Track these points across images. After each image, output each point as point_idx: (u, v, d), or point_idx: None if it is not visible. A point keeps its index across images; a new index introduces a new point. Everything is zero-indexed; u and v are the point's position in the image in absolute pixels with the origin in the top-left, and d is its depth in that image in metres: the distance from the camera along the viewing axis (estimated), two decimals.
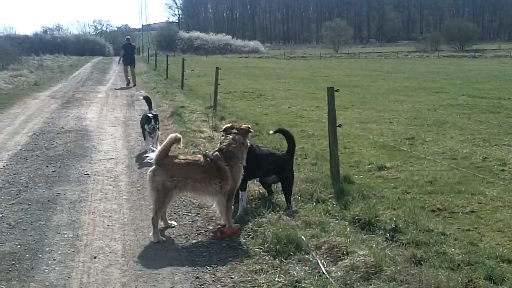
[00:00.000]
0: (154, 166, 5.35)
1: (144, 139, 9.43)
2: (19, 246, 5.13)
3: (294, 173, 6.60)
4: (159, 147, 5.43)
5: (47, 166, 8.16)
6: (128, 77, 23.15)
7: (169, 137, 5.37)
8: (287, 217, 5.45)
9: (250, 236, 5.22)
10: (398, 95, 20.54)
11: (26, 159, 8.64)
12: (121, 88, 21.73)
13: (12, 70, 27.47)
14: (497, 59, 56.53)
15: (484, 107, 16.09)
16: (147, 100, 10.17)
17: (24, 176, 7.60)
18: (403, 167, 8.89)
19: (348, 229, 5.40)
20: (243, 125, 5.80)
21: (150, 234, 5.31)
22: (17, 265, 4.69)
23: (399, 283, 4.04)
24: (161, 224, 5.52)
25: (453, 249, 5.00)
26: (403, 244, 5.11)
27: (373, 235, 5.34)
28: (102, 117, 13.35)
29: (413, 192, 7.45)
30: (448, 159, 9.39)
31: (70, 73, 30.56)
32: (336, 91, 7.42)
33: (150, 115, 9.18)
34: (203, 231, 5.55)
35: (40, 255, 4.91)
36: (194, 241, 5.29)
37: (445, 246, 5.07)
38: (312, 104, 17.80)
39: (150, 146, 8.23)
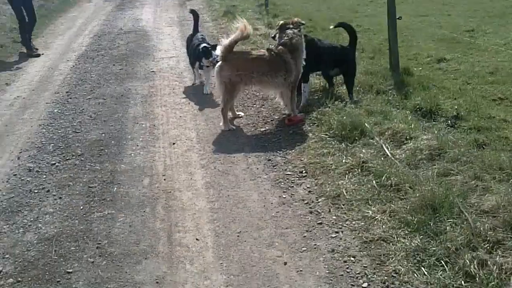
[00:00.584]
0: (220, 62, 5.56)
1: (194, 73, 7.45)
2: (103, 134, 5.60)
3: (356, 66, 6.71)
4: (225, 41, 5.58)
5: (113, 65, 8.52)
6: None
7: (238, 30, 5.48)
8: (351, 106, 5.63)
9: (315, 124, 5.47)
10: None
11: (93, 59, 9.02)
12: None
13: None
14: None
15: None
16: (195, 15, 8.16)
17: (94, 74, 8.01)
18: (463, 59, 8.76)
19: (410, 117, 5.54)
20: (295, 20, 5.89)
21: (221, 124, 5.64)
22: (106, 150, 5.18)
23: (462, 163, 4.23)
24: (229, 115, 5.81)
25: None
26: (464, 130, 5.23)
27: (435, 123, 5.47)
28: (157, 18, 13.46)
29: (474, 82, 7.40)
30: (510, 50, 9.15)
31: None
32: None
33: (207, 45, 7.09)
34: (269, 120, 5.84)
35: (124, 142, 5.37)
36: (262, 129, 5.61)
37: (507, 131, 5.17)
38: None
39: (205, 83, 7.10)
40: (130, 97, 6.87)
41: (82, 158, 5.02)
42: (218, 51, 5.64)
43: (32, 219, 3.98)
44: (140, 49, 9.64)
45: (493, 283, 2.83)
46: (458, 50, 9.39)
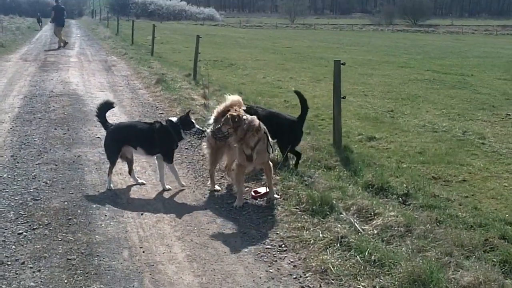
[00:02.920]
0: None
1: (171, 162, 6.10)
2: (66, 203, 5.42)
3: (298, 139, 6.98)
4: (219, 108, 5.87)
5: (55, 129, 8.30)
6: (63, 38, 24.50)
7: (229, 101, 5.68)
8: (318, 181, 5.90)
9: (282, 198, 5.66)
10: (365, 68, 21.18)
11: (31, 122, 8.74)
12: (59, 48, 21.83)
13: None
14: (449, 35, 58.33)
15: (450, 83, 16.92)
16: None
17: (37, 138, 7.75)
18: (391, 138, 9.48)
19: (365, 193, 5.90)
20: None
21: (208, 183, 5.94)
22: (74, 220, 5.02)
23: (431, 241, 4.58)
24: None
25: (461, 213, 5.58)
26: (416, 208, 5.65)
27: (387, 199, 5.86)
28: (86, 82, 13.34)
29: (407, 162, 8.02)
30: (430, 132, 10.05)
31: (32, 35, 29.76)
32: (342, 64, 7.80)
33: (188, 118, 6.05)
34: (233, 192, 5.93)
35: (91, 211, 5.23)
36: (229, 201, 5.70)
37: (454, 210, 5.66)
38: (285, 75, 18.16)
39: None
40: (83, 163, 6.72)
41: (51, 228, 4.81)
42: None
43: None
44: (78, 114, 9.49)
45: None
46: (383, 129, 10.16)
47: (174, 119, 6.04)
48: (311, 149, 7.46)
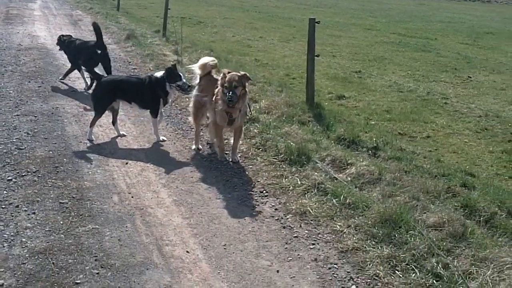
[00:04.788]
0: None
1: (155, 117, 6.30)
2: (50, 152, 5.58)
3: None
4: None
5: (29, 82, 8.33)
6: None
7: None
8: (293, 134, 6.20)
9: (260, 149, 5.94)
10: (332, 30, 21.38)
11: (3, 74, 8.72)
12: None
13: None
14: None
15: (415, 46, 17.34)
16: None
17: (12, 90, 7.78)
18: (359, 97, 9.83)
19: (338, 146, 6.24)
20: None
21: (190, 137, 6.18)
22: (61, 167, 5.18)
23: (399, 187, 4.96)
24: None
25: (426, 164, 5.98)
26: (385, 160, 6.02)
27: (358, 152, 6.21)
28: (54, 36, 13.00)
29: (374, 119, 8.39)
30: (396, 92, 10.45)
31: None
32: (317, 23, 8.04)
33: (175, 71, 6.20)
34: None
35: (77, 160, 5.43)
36: (209, 152, 5.94)
37: (419, 161, 6.06)
38: (255, 34, 18.24)
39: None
40: (62, 115, 6.84)
41: (39, 175, 4.98)
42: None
43: (12, 233, 3.94)
44: (50, 67, 9.49)
45: (459, 281, 3.47)
46: (352, 89, 10.50)
47: (159, 74, 6.16)
48: (285, 105, 7.72)
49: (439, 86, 11.08)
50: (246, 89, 5.53)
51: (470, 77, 12.30)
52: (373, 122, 8.14)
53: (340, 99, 9.60)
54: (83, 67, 7.99)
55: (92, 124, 6.13)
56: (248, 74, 5.53)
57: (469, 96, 10.27)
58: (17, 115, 6.70)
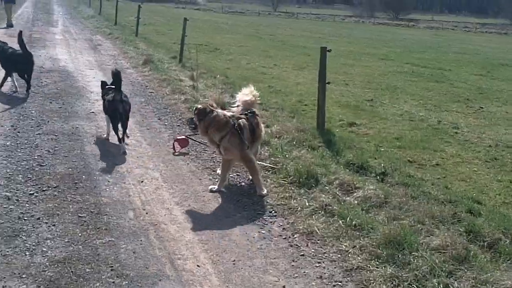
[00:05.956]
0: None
1: None
2: (70, 169, 5.82)
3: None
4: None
5: (50, 103, 8.66)
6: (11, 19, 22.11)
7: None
8: (303, 158, 6.40)
9: (270, 172, 6.14)
10: (346, 59, 21.69)
11: (26, 95, 9.03)
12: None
13: None
14: (429, 30, 59.12)
15: (428, 76, 17.54)
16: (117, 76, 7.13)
17: (34, 111, 8.10)
18: (370, 125, 10.01)
19: (346, 170, 6.41)
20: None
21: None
22: (80, 184, 5.41)
23: (405, 211, 5.11)
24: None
25: (433, 191, 6.12)
26: (392, 185, 6.17)
27: (366, 177, 6.37)
28: (75, 60, 13.60)
29: (384, 146, 8.54)
30: (407, 120, 10.62)
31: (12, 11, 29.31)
32: (328, 51, 8.28)
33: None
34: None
35: (95, 178, 5.65)
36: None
37: (427, 188, 6.20)
38: (269, 62, 18.57)
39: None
40: (81, 135, 7.12)
41: (59, 190, 5.22)
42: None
43: (33, 243, 4.16)
44: (71, 89, 9.82)
45: None
46: (363, 116, 10.69)
47: None
48: (296, 131, 7.93)
49: (451, 116, 11.22)
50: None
51: (482, 107, 12.43)
52: (382, 149, 8.29)
53: (351, 126, 9.77)
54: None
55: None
56: (200, 109, 5.63)
57: (480, 126, 10.39)
58: (39, 134, 6.99)
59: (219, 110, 5.73)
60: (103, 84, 7.46)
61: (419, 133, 9.47)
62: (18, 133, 6.95)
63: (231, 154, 5.65)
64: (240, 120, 5.65)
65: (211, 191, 5.64)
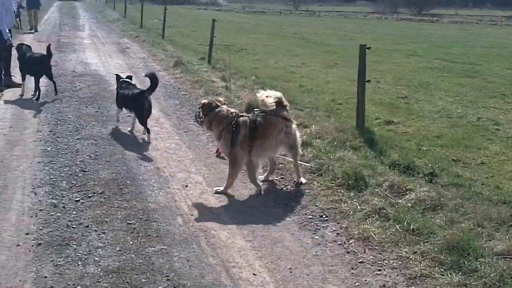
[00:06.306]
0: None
1: None
2: (113, 174, 5.74)
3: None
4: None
5: (86, 107, 8.62)
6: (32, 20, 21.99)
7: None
8: (348, 159, 6.22)
9: (316, 174, 5.97)
10: (374, 56, 21.18)
11: (61, 100, 9.03)
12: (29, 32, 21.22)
13: None
14: (453, 24, 58.08)
15: (460, 71, 17.17)
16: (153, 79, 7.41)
17: (71, 115, 8.06)
18: (408, 123, 9.77)
19: (393, 172, 6.21)
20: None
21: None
22: (126, 189, 5.32)
23: (462, 214, 4.90)
24: None
25: (485, 191, 5.88)
26: (442, 186, 5.95)
27: (414, 178, 6.16)
28: (105, 63, 13.60)
29: (426, 145, 8.31)
30: (445, 117, 10.35)
31: (39, 17, 29.54)
32: (367, 48, 8.07)
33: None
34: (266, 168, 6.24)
35: (139, 183, 5.55)
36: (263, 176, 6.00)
37: (478, 188, 5.96)
38: (297, 61, 18.37)
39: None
40: (121, 139, 7.06)
41: (105, 196, 5.14)
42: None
43: (85, 252, 4.06)
44: (105, 93, 9.78)
45: None
46: (399, 114, 10.45)
47: None
48: (336, 131, 7.74)
49: (489, 112, 10.90)
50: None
51: None
52: (425, 148, 8.06)
53: (389, 125, 9.55)
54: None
55: None
56: (205, 103, 5.64)
57: None
58: (78, 138, 6.94)
59: (224, 106, 5.68)
60: (118, 77, 7.96)
61: (460, 131, 9.20)
62: (57, 138, 6.91)
63: (222, 150, 5.65)
64: (240, 118, 5.53)
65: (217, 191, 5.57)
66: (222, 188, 5.54)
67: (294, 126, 5.88)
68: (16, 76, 9.81)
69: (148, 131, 7.16)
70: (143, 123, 7.21)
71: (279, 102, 5.72)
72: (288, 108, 5.86)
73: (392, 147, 7.52)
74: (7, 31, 9.47)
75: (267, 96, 5.83)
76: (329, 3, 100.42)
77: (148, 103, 7.28)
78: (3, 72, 9.77)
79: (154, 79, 7.23)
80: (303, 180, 5.82)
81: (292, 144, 5.78)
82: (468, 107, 11.42)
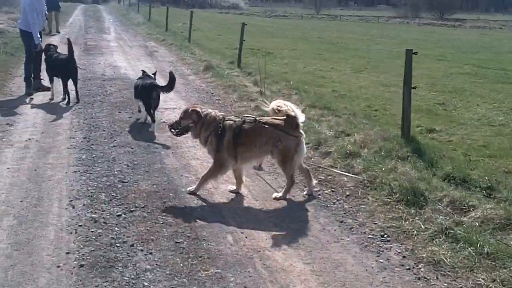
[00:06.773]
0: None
1: None
2: (154, 185, 5.41)
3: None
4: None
5: (119, 112, 8.32)
6: (53, 23, 21.56)
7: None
8: (402, 172, 5.81)
9: (369, 187, 5.57)
10: (402, 60, 20.85)
11: (92, 104, 8.76)
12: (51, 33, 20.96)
13: (5, 13, 26.40)
14: (476, 29, 57.18)
15: (493, 77, 16.67)
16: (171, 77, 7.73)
17: (104, 121, 7.77)
18: (450, 131, 9.34)
19: (449, 185, 5.78)
20: None
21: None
22: (169, 203, 4.98)
23: None
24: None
25: None
26: (504, 201, 5.51)
27: (470, 192, 5.72)
28: (134, 67, 13.33)
29: (473, 155, 7.88)
30: (487, 125, 9.90)
31: (64, 20, 29.54)
32: (414, 53, 7.67)
33: None
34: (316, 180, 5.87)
35: (182, 195, 5.20)
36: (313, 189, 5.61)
37: None
38: (325, 65, 18.01)
39: None
40: (157, 147, 6.73)
41: (148, 211, 4.80)
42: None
43: (133, 276, 3.71)
44: None
45: None
46: (440, 122, 10.02)
47: None
48: (381, 139, 7.34)
49: None
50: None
51: None
52: (473, 159, 7.62)
53: (431, 133, 9.16)
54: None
55: None
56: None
57: None
58: (114, 146, 6.63)
59: (210, 110, 5.48)
60: (143, 73, 8.29)
61: (505, 140, 8.75)
62: (92, 146, 6.60)
63: (210, 154, 5.43)
64: (226, 122, 5.28)
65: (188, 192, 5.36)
66: (193, 188, 5.34)
67: (301, 139, 5.37)
68: (45, 80, 9.55)
69: (153, 120, 7.58)
70: (149, 112, 7.59)
71: (287, 114, 5.30)
72: (298, 122, 5.37)
73: (441, 158, 7.09)
74: (38, 35, 9.22)
75: (278, 106, 5.41)
76: (350, 7, 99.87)
77: (156, 94, 7.62)
78: (32, 76, 9.52)
79: (171, 78, 7.60)
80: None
81: (280, 159, 5.31)
82: (509, 115, 10.94)
